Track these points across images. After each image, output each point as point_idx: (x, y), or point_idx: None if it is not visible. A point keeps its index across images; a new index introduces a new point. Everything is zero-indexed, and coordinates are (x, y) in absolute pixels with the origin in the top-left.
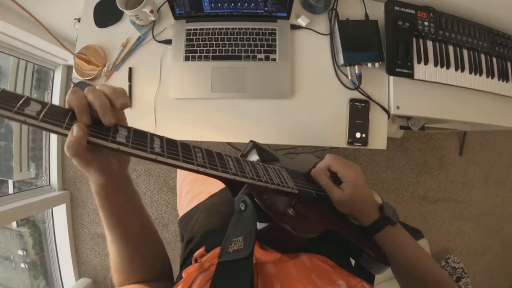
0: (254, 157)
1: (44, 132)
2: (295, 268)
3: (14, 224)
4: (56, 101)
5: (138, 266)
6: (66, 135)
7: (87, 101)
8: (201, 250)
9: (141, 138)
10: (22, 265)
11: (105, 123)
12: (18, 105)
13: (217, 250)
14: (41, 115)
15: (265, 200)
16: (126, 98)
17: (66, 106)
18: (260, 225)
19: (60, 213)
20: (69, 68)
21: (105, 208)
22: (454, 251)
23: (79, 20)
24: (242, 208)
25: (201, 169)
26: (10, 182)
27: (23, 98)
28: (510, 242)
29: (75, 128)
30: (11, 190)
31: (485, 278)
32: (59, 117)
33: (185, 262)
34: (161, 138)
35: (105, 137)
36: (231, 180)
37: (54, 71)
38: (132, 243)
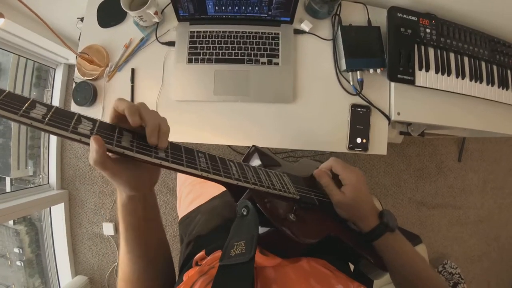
0: (256, 162)
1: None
2: (294, 272)
3: (10, 221)
4: (56, 99)
5: (148, 277)
6: (70, 139)
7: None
8: (202, 253)
9: (145, 142)
10: (18, 263)
11: (151, 142)
12: (24, 108)
13: (217, 254)
14: (47, 118)
15: (267, 205)
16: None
17: (111, 110)
18: (261, 230)
19: (58, 212)
20: (70, 67)
21: (128, 221)
22: (451, 257)
23: (81, 19)
24: (244, 213)
25: (205, 174)
26: (8, 180)
27: (29, 101)
28: (506, 248)
29: (92, 140)
30: (8, 188)
31: (481, 284)
32: (64, 121)
33: (185, 265)
34: None
35: (110, 141)
36: (233, 185)
37: (55, 69)
38: (147, 256)
